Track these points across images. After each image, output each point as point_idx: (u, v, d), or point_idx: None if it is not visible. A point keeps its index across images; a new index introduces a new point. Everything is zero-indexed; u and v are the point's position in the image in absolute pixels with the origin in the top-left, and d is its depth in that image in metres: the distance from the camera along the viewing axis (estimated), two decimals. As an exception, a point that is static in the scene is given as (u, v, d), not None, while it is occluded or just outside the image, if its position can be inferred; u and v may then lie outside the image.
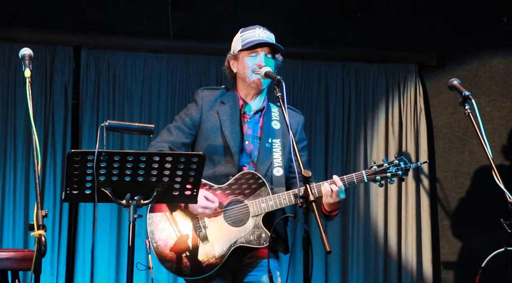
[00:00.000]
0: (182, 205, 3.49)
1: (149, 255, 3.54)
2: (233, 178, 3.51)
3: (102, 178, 2.96)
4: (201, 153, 3.04)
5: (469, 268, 6.01)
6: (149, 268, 3.51)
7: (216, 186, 3.52)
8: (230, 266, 3.52)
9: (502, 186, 3.39)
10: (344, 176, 3.48)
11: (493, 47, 6.33)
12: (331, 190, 3.37)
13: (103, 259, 5.73)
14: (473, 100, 3.62)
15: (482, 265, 4.46)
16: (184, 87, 6.05)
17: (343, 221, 6.12)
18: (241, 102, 3.65)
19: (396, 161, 3.48)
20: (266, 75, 3.48)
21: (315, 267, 4.56)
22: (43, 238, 2.71)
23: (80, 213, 5.73)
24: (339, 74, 6.29)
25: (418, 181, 6.19)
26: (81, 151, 2.97)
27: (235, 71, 3.68)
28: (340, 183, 3.40)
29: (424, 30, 6.32)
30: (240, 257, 3.51)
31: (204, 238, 3.47)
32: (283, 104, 3.27)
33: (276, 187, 3.54)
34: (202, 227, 3.47)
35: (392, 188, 6.16)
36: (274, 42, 3.63)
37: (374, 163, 3.49)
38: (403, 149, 6.23)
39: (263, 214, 3.45)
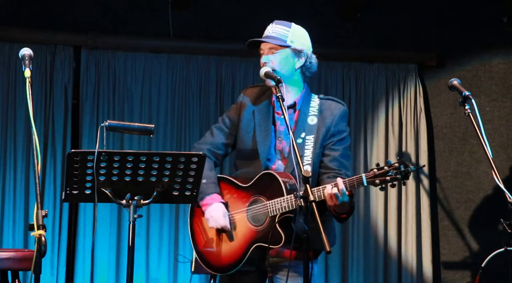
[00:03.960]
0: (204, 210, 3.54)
1: (194, 251, 3.64)
2: (255, 178, 3.52)
3: (102, 178, 2.96)
4: (201, 153, 3.05)
5: (469, 268, 6.02)
6: (191, 261, 3.58)
7: (241, 185, 3.55)
8: (257, 264, 3.53)
9: (502, 186, 3.39)
10: (346, 179, 3.44)
11: (493, 47, 6.33)
12: (331, 192, 3.35)
13: (103, 259, 5.73)
14: (473, 100, 3.62)
15: (482, 265, 4.46)
16: (184, 87, 6.04)
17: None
18: (273, 98, 3.62)
19: (396, 164, 3.43)
20: (266, 75, 3.48)
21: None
22: (43, 238, 2.71)
23: (80, 213, 5.73)
24: (339, 74, 6.29)
25: (418, 181, 6.18)
26: (81, 151, 2.97)
27: None
28: (341, 186, 3.36)
29: (424, 30, 6.32)
30: (264, 256, 3.50)
31: (230, 236, 3.51)
32: (283, 104, 3.27)
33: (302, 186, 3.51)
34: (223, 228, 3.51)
35: (392, 188, 6.14)
36: (274, 36, 3.57)
37: (377, 166, 3.44)
38: (403, 149, 6.23)
39: (278, 215, 3.44)
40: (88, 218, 5.71)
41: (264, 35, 3.62)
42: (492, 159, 3.49)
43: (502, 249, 4.20)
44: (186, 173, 3.03)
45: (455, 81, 3.75)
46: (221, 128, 3.68)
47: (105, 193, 2.98)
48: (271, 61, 3.54)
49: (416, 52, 6.35)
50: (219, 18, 6.11)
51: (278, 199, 3.44)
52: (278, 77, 3.36)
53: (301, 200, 3.09)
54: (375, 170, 3.37)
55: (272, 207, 3.45)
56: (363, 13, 6.22)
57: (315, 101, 3.66)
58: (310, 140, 3.57)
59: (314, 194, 3.29)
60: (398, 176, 3.36)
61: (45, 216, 2.75)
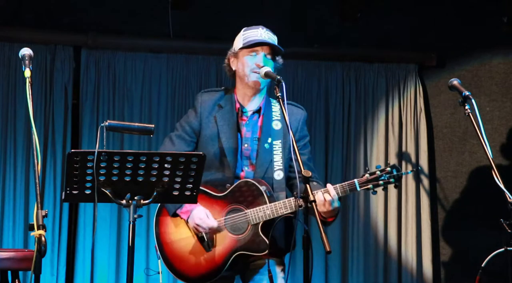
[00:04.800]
0: (186, 218, 3.54)
1: (159, 260, 3.59)
2: (231, 187, 3.52)
3: (102, 178, 2.96)
4: (201, 153, 3.05)
5: (469, 268, 6.01)
6: (158, 273, 3.55)
7: (216, 195, 3.54)
8: (235, 270, 3.54)
9: (502, 186, 3.40)
10: (337, 185, 3.46)
11: (493, 47, 6.32)
12: (324, 199, 3.36)
13: (103, 259, 5.73)
14: (473, 100, 3.62)
15: (482, 265, 4.46)
16: (184, 87, 6.05)
17: (343, 221, 6.12)
18: (237, 105, 3.65)
19: (389, 169, 3.46)
20: (266, 75, 3.49)
21: (315, 267, 4.56)
22: (43, 238, 2.71)
23: (80, 213, 5.73)
24: (339, 74, 6.29)
25: (418, 181, 6.18)
26: (81, 151, 2.97)
27: (234, 69, 3.68)
28: (333, 192, 3.38)
29: (424, 30, 6.32)
30: (244, 263, 3.52)
31: (207, 247, 3.50)
32: (283, 104, 3.27)
33: (276, 191, 3.55)
34: (204, 236, 3.50)
35: (392, 188, 6.12)
36: (275, 43, 3.63)
37: (367, 171, 3.48)
38: (403, 149, 6.23)
39: (261, 222, 3.46)
40: (88, 218, 5.71)
41: (261, 38, 3.60)
42: (492, 159, 3.49)
43: (502, 249, 4.21)
44: (186, 173, 3.03)
45: (455, 81, 3.76)
46: (182, 136, 3.67)
47: (105, 193, 2.98)
48: (266, 66, 3.56)
49: (416, 52, 6.34)
50: (219, 18, 6.11)
51: (260, 207, 3.45)
52: (279, 77, 3.36)
53: (301, 200, 3.10)
54: (367, 175, 3.42)
55: (254, 215, 3.46)
56: (363, 13, 6.22)
57: (275, 105, 3.69)
58: (277, 145, 3.60)
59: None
60: (391, 180, 3.42)
61: (45, 216, 2.75)
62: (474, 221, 6.12)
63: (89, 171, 2.94)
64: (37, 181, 2.84)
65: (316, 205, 3.07)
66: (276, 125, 3.65)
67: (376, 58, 6.33)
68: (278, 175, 3.56)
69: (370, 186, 3.44)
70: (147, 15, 6.04)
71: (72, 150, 2.97)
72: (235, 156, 3.56)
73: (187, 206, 3.53)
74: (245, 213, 3.48)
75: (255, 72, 3.55)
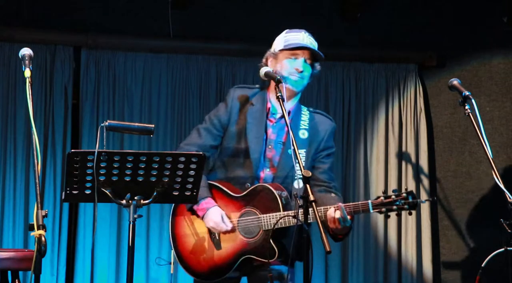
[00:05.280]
0: (201, 215, 3.53)
1: (172, 251, 3.60)
2: (249, 189, 3.51)
3: (102, 178, 2.96)
4: (201, 153, 3.04)
5: (469, 268, 6.02)
6: (170, 263, 3.57)
7: (233, 195, 3.53)
8: (243, 272, 3.55)
9: (502, 186, 3.40)
10: (351, 203, 3.41)
11: (493, 47, 6.32)
12: (334, 217, 3.34)
13: (103, 259, 5.73)
14: (473, 100, 3.62)
15: (482, 265, 4.46)
16: (184, 87, 6.05)
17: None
18: (268, 105, 3.63)
19: (405, 194, 3.38)
20: (266, 75, 3.48)
21: (315, 267, 4.56)
22: (43, 238, 2.71)
23: (80, 213, 5.73)
24: (339, 74, 6.29)
25: (418, 181, 6.18)
26: (81, 151, 2.97)
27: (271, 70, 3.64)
28: (344, 212, 3.35)
29: (424, 30, 6.32)
30: (251, 263, 3.52)
31: (217, 245, 3.50)
32: (283, 104, 3.27)
33: (294, 200, 3.52)
34: (216, 234, 3.50)
35: (392, 188, 6.13)
36: (316, 49, 3.61)
37: (383, 193, 3.40)
38: (403, 149, 6.23)
39: (272, 229, 3.44)
40: (88, 218, 5.71)
41: (304, 43, 3.58)
42: (492, 159, 3.49)
43: (502, 249, 4.21)
44: (186, 173, 3.03)
45: (455, 81, 3.76)
46: (209, 130, 3.65)
47: (105, 193, 2.98)
48: (304, 72, 3.56)
49: (416, 52, 6.34)
50: (219, 18, 6.11)
51: (274, 214, 3.44)
52: (279, 77, 3.36)
53: (301, 200, 3.10)
54: (382, 198, 3.35)
55: (266, 221, 3.45)
56: (363, 13, 6.22)
57: (305, 114, 3.69)
58: (301, 154, 3.57)
59: (321, 213, 3.31)
60: (405, 206, 3.34)
61: (45, 216, 2.75)
62: (474, 221, 6.12)
63: (89, 171, 2.94)
64: (37, 181, 2.84)
65: (316, 205, 3.06)
66: (303, 134, 3.62)
67: (376, 58, 6.33)
68: (298, 183, 3.54)
69: (384, 209, 3.36)
70: (147, 15, 6.04)
71: (72, 150, 2.97)
72: (258, 155, 3.55)
73: (204, 203, 3.52)
74: (259, 217, 3.47)
75: (294, 75, 3.54)
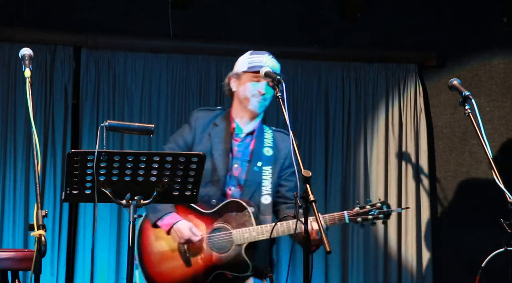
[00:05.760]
0: (166, 230, 3.54)
1: (136, 271, 3.59)
2: (220, 205, 3.55)
3: (102, 178, 2.96)
4: (201, 152, 3.05)
5: (469, 268, 6.00)
6: None
7: (202, 211, 3.55)
8: None
9: (502, 186, 3.40)
10: (326, 215, 3.50)
11: (493, 47, 6.32)
12: (312, 227, 3.37)
13: (103, 259, 5.72)
14: (473, 100, 3.62)
15: (482, 265, 4.46)
16: (184, 87, 6.04)
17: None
18: (233, 125, 3.71)
19: (379, 204, 3.55)
20: (266, 75, 3.50)
21: (315, 267, 4.56)
22: (43, 238, 2.71)
23: (80, 213, 5.73)
24: (339, 74, 6.28)
25: (418, 181, 6.18)
26: (81, 151, 2.98)
27: (234, 90, 3.71)
28: (322, 222, 3.38)
29: (424, 30, 6.32)
30: (223, 279, 3.54)
31: (187, 261, 3.50)
32: (283, 104, 3.28)
33: (262, 215, 3.60)
34: (186, 250, 3.50)
35: (392, 188, 6.16)
36: (278, 72, 3.66)
37: (357, 204, 3.55)
38: (403, 149, 6.23)
39: (245, 244, 3.48)
40: (88, 218, 5.71)
41: (265, 65, 3.64)
42: (492, 159, 3.49)
43: (502, 249, 4.20)
44: (186, 173, 3.03)
45: (455, 81, 3.76)
46: (173, 149, 3.71)
47: (105, 193, 2.98)
48: (266, 94, 3.65)
49: (416, 52, 6.34)
50: (219, 18, 6.11)
51: (246, 228, 3.47)
52: (278, 77, 3.38)
53: (301, 200, 3.10)
54: (357, 208, 3.48)
55: (239, 236, 3.48)
56: (363, 13, 6.22)
57: (268, 132, 3.77)
58: (267, 171, 3.66)
59: (289, 226, 3.38)
60: (380, 216, 3.49)
61: (45, 216, 2.75)
62: (474, 221, 6.11)
63: (89, 171, 2.94)
64: (37, 181, 2.84)
65: (316, 205, 3.07)
66: (268, 151, 3.70)
67: (376, 58, 6.33)
68: (266, 199, 3.62)
69: (359, 219, 3.53)
70: (147, 15, 6.04)
71: (72, 150, 2.98)
72: (225, 173, 3.59)
73: (168, 219, 3.54)
74: (230, 232, 3.51)
75: (257, 97, 3.59)
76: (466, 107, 3.63)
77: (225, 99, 6.02)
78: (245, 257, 3.46)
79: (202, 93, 6.06)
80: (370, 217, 3.50)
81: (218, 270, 3.49)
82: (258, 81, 3.62)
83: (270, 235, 3.34)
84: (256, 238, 3.47)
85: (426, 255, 6.10)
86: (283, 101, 3.29)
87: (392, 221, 6.13)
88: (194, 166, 3.03)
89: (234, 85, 3.71)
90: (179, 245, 3.55)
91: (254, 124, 3.71)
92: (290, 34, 6.14)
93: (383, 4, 6.30)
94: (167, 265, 3.54)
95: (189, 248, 3.52)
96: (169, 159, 2.99)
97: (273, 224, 3.52)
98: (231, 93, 3.75)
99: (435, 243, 6.17)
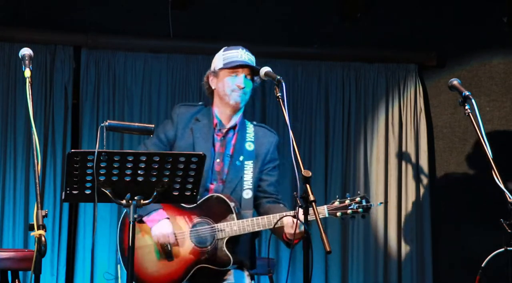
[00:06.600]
0: (150, 225, 3.56)
1: (118, 265, 3.59)
2: (201, 199, 3.56)
3: (102, 178, 2.96)
4: (201, 152, 3.05)
5: (469, 268, 6.01)
6: (117, 278, 3.56)
7: (184, 206, 3.57)
8: (196, 282, 3.57)
9: (502, 186, 3.40)
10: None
11: (493, 47, 6.32)
12: (293, 221, 3.38)
13: (103, 259, 5.72)
14: (473, 100, 3.62)
15: (482, 265, 4.46)
16: (184, 87, 6.05)
17: (343, 221, 6.11)
18: (215, 120, 3.73)
19: (358, 198, 3.57)
20: (266, 75, 3.51)
21: (315, 267, 4.56)
22: (43, 238, 2.71)
23: (80, 213, 5.73)
24: (339, 74, 6.29)
25: (418, 181, 6.18)
26: (81, 151, 2.97)
27: (213, 88, 3.73)
28: (301, 217, 3.42)
29: (424, 30, 6.32)
30: (206, 273, 3.55)
31: (169, 256, 3.52)
32: (283, 104, 3.28)
33: (244, 209, 3.62)
34: (168, 245, 3.52)
35: (392, 188, 6.16)
36: (254, 64, 3.67)
37: (337, 198, 3.57)
38: (403, 149, 6.23)
39: (226, 238, 3.50)
40: (88, 218, 5.71)
41: (242, 60, 3.67)
42: (492, 159, 3.49)
43: (502, 249, 4.20)
44: (186, 173, 3.03)
45: (455, 81, 3.76)
46: (155, 143, 3.72)
47: (105, 193, 2.98)
48: (246, 88, 3.67)
49: (416, 52, 6.35)
50: (219, 18, 6.11)
51: (228, 223, 3.50)
52: (279, 77, 3.38)
53: (301, 200, 3.10)
54: (337, 202, 3.50)
55: (221, 230, 3.50)
56: (363, 13, 6.22)
57: (250, 127, 3.79)
58: (249, 165, 3.68)
59: (270, 221, 3.45)
60: (359, 210, 3.52)
61: (45, 216, 2.75)
62: (474, 221, 6.11)
63: (89, 171, 2.94)
64: (37, 181, 2.84)
65: (315, 205, 3.07)
66: (249, 146, 3.72)
67: (376, 58, 6.33)
68: (247, 193, 3.64)
69: (338, 213, 3.54)
70: (147, 15, 6.04)
71: (72, 150, 2.97)
72: (207, 168, 3.60)
73: (154, 215, 3.55)
74: (212, 227, 3.54)
75: (236, 92, 3.60)
76: (466, 107, 3.63)
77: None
78: (226, 251, 3.49)
79: (202, 93, 6.02)
80: (349, 211, 3.54)
81: (200, 264, 3.51)
82: (236, 75, 3.64)
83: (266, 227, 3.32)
84: (237, 232, 3.51)
85: (426, 255, 6.10)
86: (283, 101, 3.29)
87: (392, 221, 6.14)
88: (194, 166, 3.03)
89: (213, 83, 3.74)
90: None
91: (235, 118, 3.73)
92: (290, 34, 6.14)
93: (383, 4, 6.30)
94: (149, 259, 3.56)
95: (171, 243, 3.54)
96: (169, 159, 2.99)
97: (255, 217, 3.57)
98: (211, 92, 3.77)
99: (435, 243, 6.17)
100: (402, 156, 6.21)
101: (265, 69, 3.53)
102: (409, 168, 6.19)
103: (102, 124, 3.08)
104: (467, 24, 6.29)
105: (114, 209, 5.72)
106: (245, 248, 3.62)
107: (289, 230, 3.42)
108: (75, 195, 3.01)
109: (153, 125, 3.25)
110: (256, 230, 3.53)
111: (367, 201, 3.58)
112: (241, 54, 3.68)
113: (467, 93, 3.63)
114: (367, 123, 6.26)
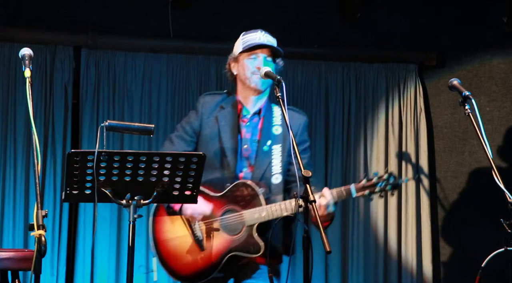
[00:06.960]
0: (177, 208, 3.53)
1: (154, 258, 3.60)
2: (228, 187, 3.53)
3: (102, 178, 2.96)
4: (201, 152, 3.05)
5: (469, 268, 6.01)
6: (152, 271, 3.57)
7: (212, 194, 3.55)
8: (227, 272, 3.55)
9: (502, 186, 3.40)
10: (334, 189, 3.48)
11: (493, 47, 6.32)
12: (320, 203, 3.37)
13: (103, 259, 5.73)
14: (473, 100, 3.62)
15: (482, 265, 4.46)
16: (184, 87, 6.05)
17: (343, 221, 6.12)
18: (239, 106, 3.69)
19: (386, 176, 3.52)
20: (266, 75, 3.50)
21: (315, 267, 4.56)
22: (43, 238, 2.71)
23: (80, 213, 5.73)
24: (339, 74, 6.29)
25: (418, 181, 6.18)
26: (81, 151, 2.98)
27: (235, 74, 3.70)
28: (329, 197, 3.39)
29: (424, 30, 6.32)
30: (238, 265, 3.54)
31: (201, 245, 3.50)
32: (283, 104, 3.28)
33: (274, 195, 3.58)
34: (199, 235, 3.50)
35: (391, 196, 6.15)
36: (275, 45, 3.64)
37: (365, 176, 3.51)
38: (403, 149, 6.23)
39: (256, 224, 3.47)
40: (88, 218, 5.71)
41: (262, 41, 3.62)
42: (492, 159, 3.49)
43: (502, 249, 4.20)
44: (186, 173, 3.03)
45: (455, 81, 3.76)
46: (181, 136, 3.71)
47: (105, 193, 2.98)
48: (266, 66, 3.58)
49: (416, 52, 6.34)
50: (219, 18, 6.11)
51: (256, 209, 3.47)
52: (279, 77, 3.38)
53: (301, 200, 3.10)
54: (364, 181, 3.45)
55: (249, 216, 3.48)
56: (363, 13, 6.22)
57: (276, 111, 3.72)
58: (277, 149, 3.63)
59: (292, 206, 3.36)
60: (387, 188, 3.46)
61: (45, 216, 2.75)
62: (474, 221, 6.12)
63: (89, 171, 2.94)
64: (37, 181, 2.84)
65: (315, 206, 3.07)
66: (277, 130, 3.67)
67: (376, 58, 6.33)
68: (276, 178, 3.59)
69: (366, 192, 3.49)
70: (147, 15, 6.04)
71: (72, 150, 2.98)
72: (235, 156, 3.58)
73: None
74: (241, 214, 3.50)
75: (256, 74, 3.58)
76: (466, 107, 3.63)
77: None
78: (257, 237, 3.46)
79: (202, 93, 6.05)
80: (377, 189, 3.47)
81: (231, 253, 3.49)
82: (256, 57, 3.61)
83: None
84: (266, 217, 3.46)
85: (426, 255, 6.09)
86: (283, 101, 3.29)
87: (392, 221, 6.13)
88: (194, 166, 3.03)
89: (234, 69, 3.71)
90: (192, 229, 3.55)
91: (260, 103, 3.68)
92: (290, 34, 6.13)
93: (383, 4, 6.30)
94: (182, 250, 3.55)
95: (202, 232, 3.52)
96: (169, 159, 2.99)
97: (282, 202, 3.50)
98: (234, 78, 3.73)
99: (435, 243, 6.17)
100: (402, 156, 6.21)
101: (264, 70, 3.52)
102: (409, 168, 6.19)
103: (102, 124, 3.08)
104: (467, 24, 6.29)
105: (114, 209, 5.72)
106: (278, 233, 3.56)
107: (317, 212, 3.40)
108: (75, 195, 3.01)
109: (153, 125, 3.26)
110: (284, 215, 3.46)
111: (395, 178, 3.52)
112: (259, 37, 3.65)
113: (467, 93, 3.63)
114: (367, 123, 6.26)
